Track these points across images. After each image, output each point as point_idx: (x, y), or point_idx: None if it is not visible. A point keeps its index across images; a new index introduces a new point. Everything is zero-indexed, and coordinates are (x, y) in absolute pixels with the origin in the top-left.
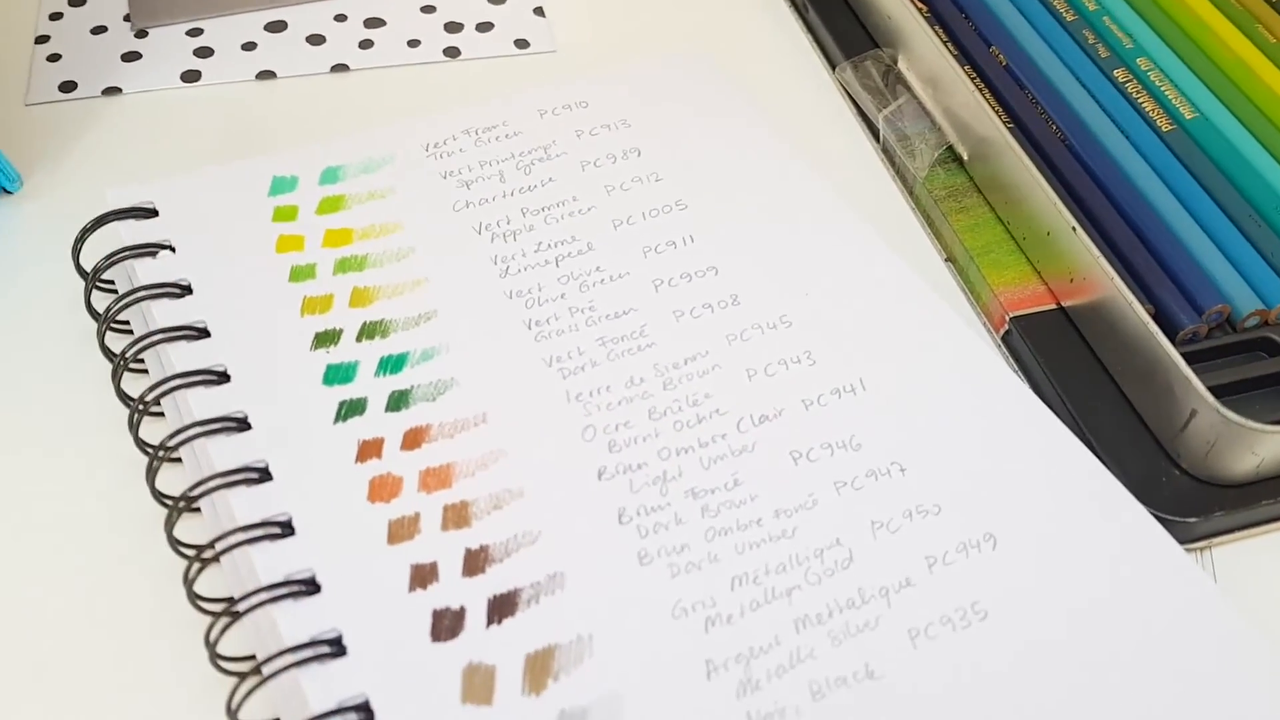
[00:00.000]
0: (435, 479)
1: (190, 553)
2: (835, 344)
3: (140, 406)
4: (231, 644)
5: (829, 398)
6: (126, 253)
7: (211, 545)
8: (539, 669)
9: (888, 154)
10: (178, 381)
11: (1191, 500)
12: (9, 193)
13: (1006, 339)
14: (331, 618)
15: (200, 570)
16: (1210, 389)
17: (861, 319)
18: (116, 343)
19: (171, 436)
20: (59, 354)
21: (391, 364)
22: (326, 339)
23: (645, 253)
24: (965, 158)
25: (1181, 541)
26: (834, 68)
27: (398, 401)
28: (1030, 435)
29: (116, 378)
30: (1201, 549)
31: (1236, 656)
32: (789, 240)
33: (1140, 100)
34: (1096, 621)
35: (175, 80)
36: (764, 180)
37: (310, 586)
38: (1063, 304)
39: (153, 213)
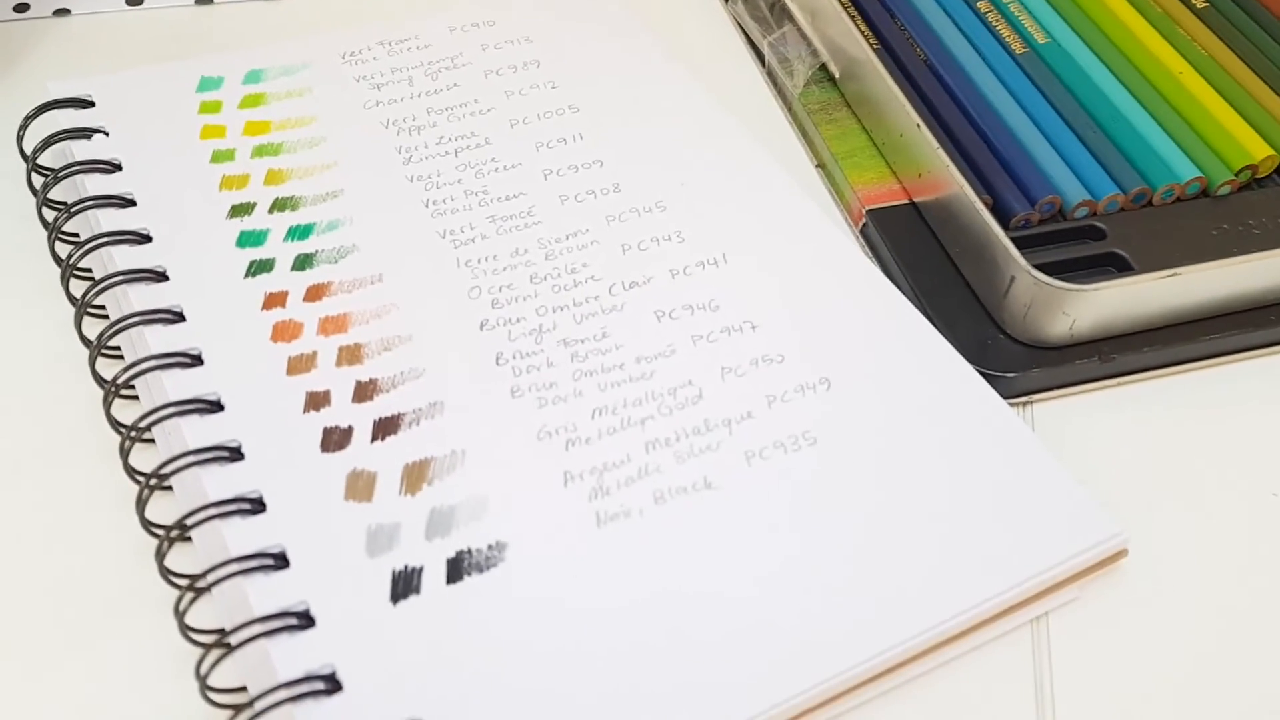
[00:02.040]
0: (333, 325)
1: (106, 385)
2: (704, 225)
3: (70, 264)
4: (143, 459)
5: (694, 269)
6: (64, 134)
7: (126, 371)
8: (415, 475)
9: (771, 76)
10: (104, 240)
11: (1012, 359)
12: None
13: (864, 231)
14: (231, 431)
15: (113, 399)
16: (1039, 267)
17: (731, 206)
18: (54, 217)
19: (94, 285)
20: (2, 229)
21: (299, 232)
22: (241, 210)
23: (538, 147)
24: (837, 76)
25: (1005, 397)
26: (726, 2)
27: (303, 263)
28: (870, 301)
29: (51, 242)
30: (1023, 404)
31: (1043, 490)
32: (670, 140)
33: (998, 27)
34: (916, 448)
35: (120, 4)
36: (653, 92)
37: (215, 407)
38: (913, 199)
39: (90, 104)
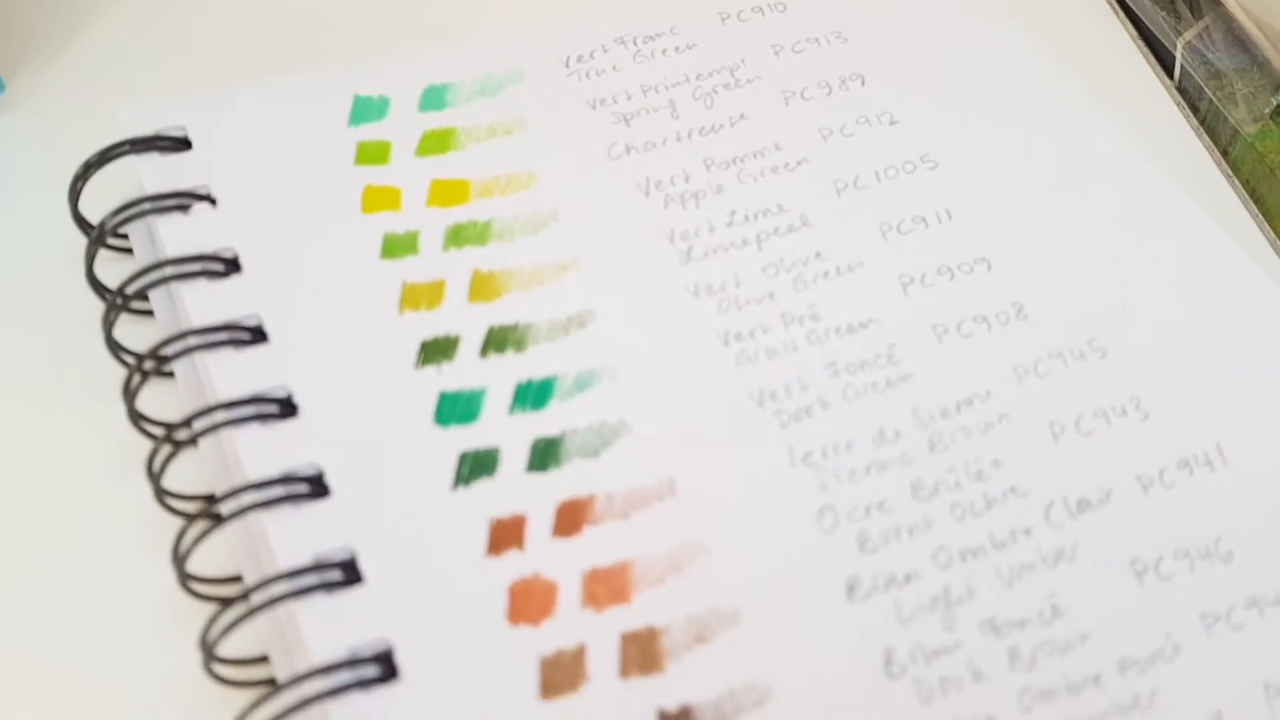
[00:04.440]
0: (605, 587)
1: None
2: (1174, 387)
3: (169, 445)
4: None
5: (1175, 473)
6: (148, 204)
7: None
8: None
9: (1187, 96)
10: (224, 415)
11: None
12: None
13: None
14: None
15: None
16: None
17: (1206, 348)
18: (129, 330)
19: (221, 498)
20: (56, 332)
21: (533, 394)
22: (437, 351)
23: (884, 233)
24: None
25: None
26: None
27: (544, 456)
28: None
29: (130, 391)
30: None
31: None
32: (1086, 221)
33: None
34: None
35: None
36: (1041, 128)
37: None
38: None
39: (184, 143)
